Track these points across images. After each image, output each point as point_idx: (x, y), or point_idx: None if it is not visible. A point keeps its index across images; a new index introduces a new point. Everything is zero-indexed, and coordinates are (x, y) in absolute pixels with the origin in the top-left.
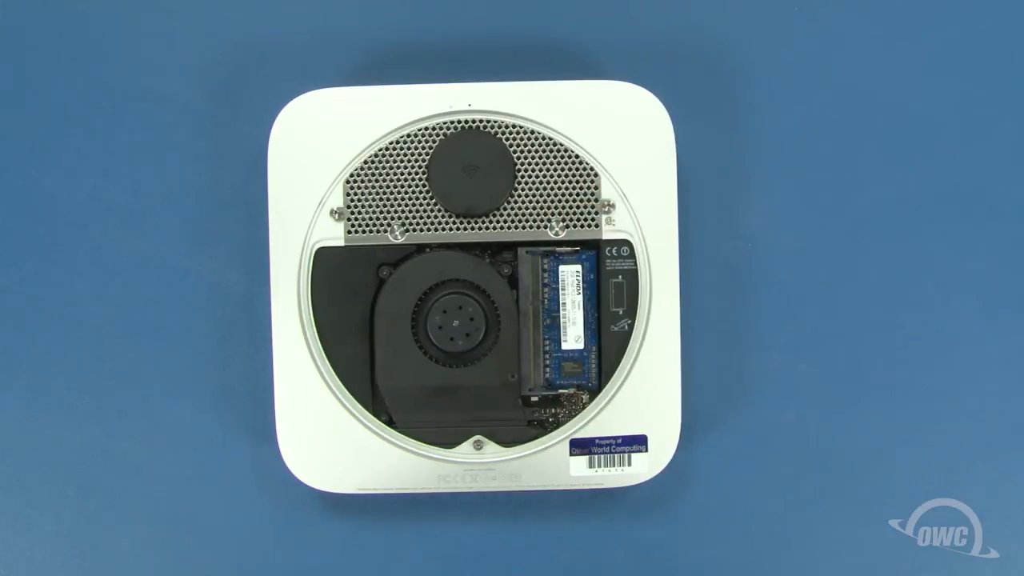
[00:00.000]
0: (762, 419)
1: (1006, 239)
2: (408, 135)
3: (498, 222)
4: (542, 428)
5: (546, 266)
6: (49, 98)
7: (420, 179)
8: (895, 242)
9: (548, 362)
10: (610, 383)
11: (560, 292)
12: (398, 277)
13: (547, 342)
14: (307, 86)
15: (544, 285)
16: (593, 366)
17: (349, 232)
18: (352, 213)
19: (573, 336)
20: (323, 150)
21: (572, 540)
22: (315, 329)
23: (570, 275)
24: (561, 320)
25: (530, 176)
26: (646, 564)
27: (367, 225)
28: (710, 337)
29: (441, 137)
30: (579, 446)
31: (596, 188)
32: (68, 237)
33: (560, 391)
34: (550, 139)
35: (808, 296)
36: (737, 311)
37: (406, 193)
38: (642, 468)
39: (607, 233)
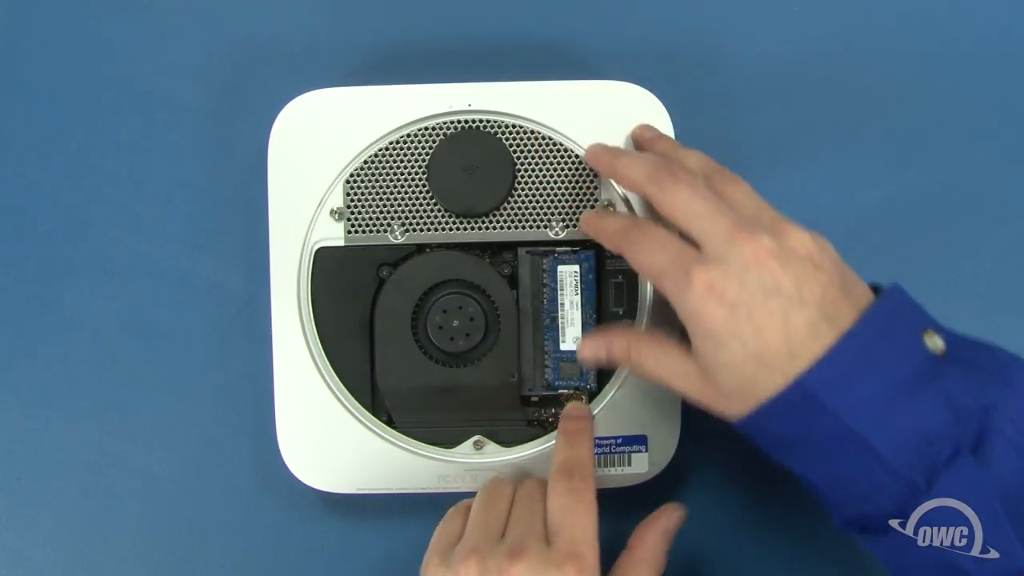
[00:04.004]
0: None
1: (1006, 240)
2: (408, 135)
3: (498, 222)
4: (542, 428)
5: (545, 266)
6: (49, 98)
7: (420, 179)
8: (894, 242)
9: (548, 362)
10: (610, 383)
11: (558, 292)
12: (398, 277)
13: (547, 342)
14: (307, 86)
15: (544, 285)
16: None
17: (349, 232)
18: (352, 213)
19: (571, 337)
20: (323, 150)
21: None
22: (315, 329)
23: (568, 275)
24: (560, 320)
25: (530, 176)
26: None
27: (367, 225)
28: None
29: (441, 137)
30: None
31: (596, 188)
32: (68, 237)
33: (560, 391)
34: (550, 139)
35: None
36: None
37: (406, 193)
38: (642, 468)
39: None
